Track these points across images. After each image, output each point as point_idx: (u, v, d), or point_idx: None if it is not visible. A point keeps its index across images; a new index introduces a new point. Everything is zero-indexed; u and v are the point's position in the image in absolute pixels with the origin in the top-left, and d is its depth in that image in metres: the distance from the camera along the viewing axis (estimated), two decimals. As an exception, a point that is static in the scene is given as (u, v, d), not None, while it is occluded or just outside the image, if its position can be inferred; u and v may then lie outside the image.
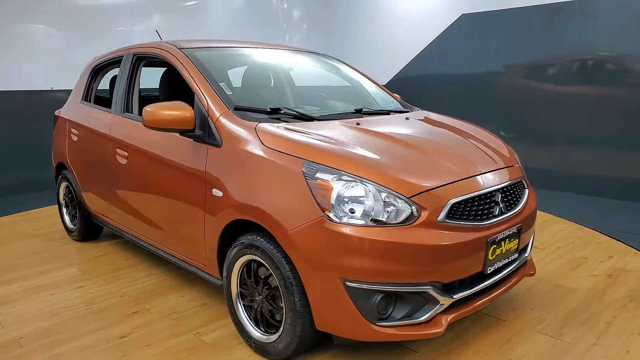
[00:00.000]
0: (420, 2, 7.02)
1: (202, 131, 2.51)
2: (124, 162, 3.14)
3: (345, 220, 1.97)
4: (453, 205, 2.07)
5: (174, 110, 2.48)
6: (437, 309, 2.05)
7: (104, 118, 3.49)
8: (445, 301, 2.06)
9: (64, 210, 4.22)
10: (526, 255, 2.60)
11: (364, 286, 1.95)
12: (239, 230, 2.37)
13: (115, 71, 3.84)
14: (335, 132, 2.39)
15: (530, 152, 5.34)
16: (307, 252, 2.01)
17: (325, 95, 3.57)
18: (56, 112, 4.28)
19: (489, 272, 2.22)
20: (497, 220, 2.23)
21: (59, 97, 5.58)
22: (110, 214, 3.54)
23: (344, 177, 2.02)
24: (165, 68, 3.31)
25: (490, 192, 2.25)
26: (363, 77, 3.60)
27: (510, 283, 2.46)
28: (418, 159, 2.26)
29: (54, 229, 4.41)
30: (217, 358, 2.34)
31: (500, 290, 2.36)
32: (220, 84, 2.67)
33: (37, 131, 5.58)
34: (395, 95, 3.51)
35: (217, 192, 2.39)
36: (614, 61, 5.24)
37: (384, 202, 1.99)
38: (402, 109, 3.23)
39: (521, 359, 2.29)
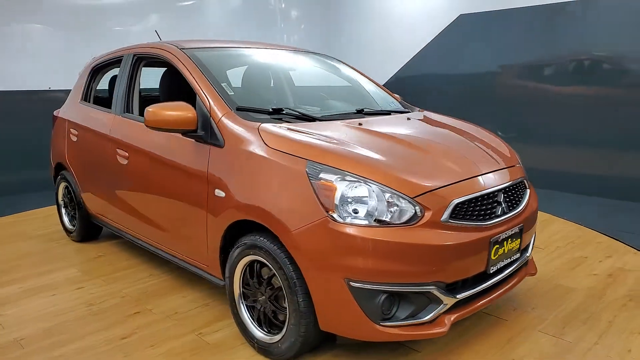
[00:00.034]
0: (418, 2, 7.03)
1: (205, 131, 2.50)
2: (125, 162, 3.13)
3: (349, 220, 1.97)
4: (456, 205, 2.08)
5: (176, 111, 2.47)
6: (441, 308, 2.06)
7: (103, 118, 3.47)
8: (448, 301, 2.07)
9: (63, 210, 4.21)
10: (527, 255, 2.61)
11: (368, 286, 1.96)
12: (241, 230, 2.37)
13: (114, 71, 3.83)
14: (337, 133, 2.39)
15: (528, 152, 5.34)
16: (311, 252, 2.01)
17: (325, 96, 3.57)
18: (55, 112, 4.26)
19: (491, 271, 2.23)
20: (500, 220, 2.24)
21: (56, 97, 5.57)
22: (110, 215, 3.52)
23: (348, 178, 2.02)
24: (166, 68, 3.30)
25: (493, 192, 2.26)
26: (363, 77, 3.60)
27: (512, 283, 2.47)
28: (421, 159, 2.27)
29: (53, 229, 4.39)
30: (220, 358, 2.34)
31: (502, 290, 2.37)
32: (222, 84, 2.67)
33: (35, 131, 5.55)
34: (396, 95, 3.51)
35: (219, 193, 2.38)
36: (612, 61, 5.26)
37: (388, 202, 2.00)
38: (402, 109, 3.24)
39: (523, 358, 2.30)
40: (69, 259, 3.71)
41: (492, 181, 2.29)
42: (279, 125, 2.41)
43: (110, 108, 3.48)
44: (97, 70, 3.97)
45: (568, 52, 5.52)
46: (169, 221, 2.87)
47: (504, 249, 2.27)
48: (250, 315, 2.40)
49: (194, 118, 2.49)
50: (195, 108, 2.53)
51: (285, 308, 2.17)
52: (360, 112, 2.87)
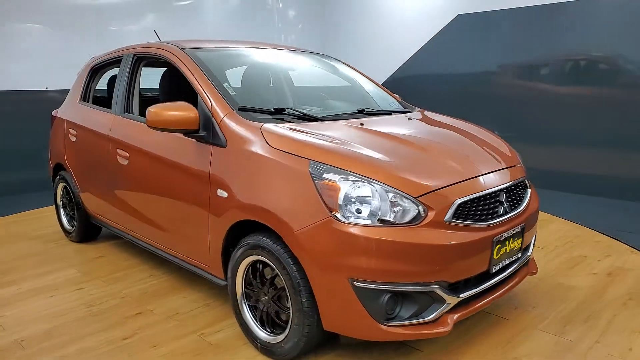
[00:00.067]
0: (415, 2, 7.04)
1: (206, 132, 2.50)
2: (125, 162, 3.12)
3: (352, 220, 1.97)
4: (459, 205, 2.09)
5: (178, 111, 2.47)
6: (444, 308, 2.07)
7: (103, 118, 3.46)
8: (451, 300, 2.08)
9: (62, 211, 4.19)
10: (529, 254, 2.62)
11: (372, 286, 1.96)
12: (243, 230, 2.37)
13: (113, 71, 3.82)
14: (339, 133, 2.39)
15: (527, 152, 5.35)
16: (315, 252, 2.01)
17: (325, 96, 3.58)
18: (53, 113, 4.24)
19: (494, 271, 2.24)
20: (502, 220, 2.25)
21: (54, 98, 5.55)
22: (110, 215, 3.51)
23: (351, 178, 2.03)
24: (165, 68, 3.29)
25: (495, 192, 2.27)
26: (362, 76, 3.61)
27: (514, 282, 2.48)
28: (423, 159, 2.27)
29: (51, 230, 4.37)
30: (222, 359, 2.34)
31: (504, 289, 2.39)
32: (224, 84, 2.67)
33: (33, 132, 5.52)
34: (395, 95, 3.52)
35: (222, 193, 2.38)
36: (610, 61, 5.29)
37: (391, 202, 2.00)
38: (403, 109, 3.24)
39: (524, 357, 2.31)
40: (68, 259, 3.70)
41: (494, 181, 2.30)
42: (281, 125, 2.41)
43: (109, 108, 3.46)
44: (96, 70, 3.95)
45: (566, 52, 5.55)
46: (170, 221, 2.86)
47: (506, 249, 2.28)
48: (253, 316, 2.40)
49: (196, 118, 2.48)
50: (197, 108, 2.53)
51: (288, 308, 2.17)
52: (361, 112, 2.88)
